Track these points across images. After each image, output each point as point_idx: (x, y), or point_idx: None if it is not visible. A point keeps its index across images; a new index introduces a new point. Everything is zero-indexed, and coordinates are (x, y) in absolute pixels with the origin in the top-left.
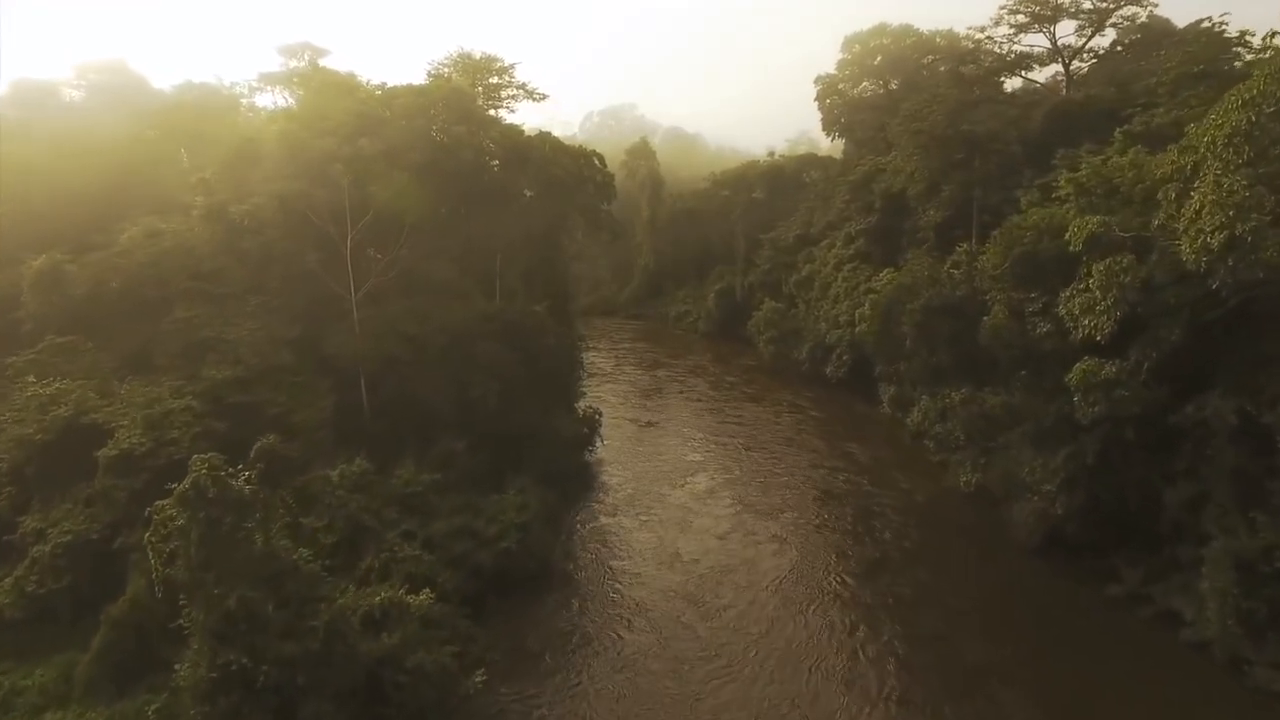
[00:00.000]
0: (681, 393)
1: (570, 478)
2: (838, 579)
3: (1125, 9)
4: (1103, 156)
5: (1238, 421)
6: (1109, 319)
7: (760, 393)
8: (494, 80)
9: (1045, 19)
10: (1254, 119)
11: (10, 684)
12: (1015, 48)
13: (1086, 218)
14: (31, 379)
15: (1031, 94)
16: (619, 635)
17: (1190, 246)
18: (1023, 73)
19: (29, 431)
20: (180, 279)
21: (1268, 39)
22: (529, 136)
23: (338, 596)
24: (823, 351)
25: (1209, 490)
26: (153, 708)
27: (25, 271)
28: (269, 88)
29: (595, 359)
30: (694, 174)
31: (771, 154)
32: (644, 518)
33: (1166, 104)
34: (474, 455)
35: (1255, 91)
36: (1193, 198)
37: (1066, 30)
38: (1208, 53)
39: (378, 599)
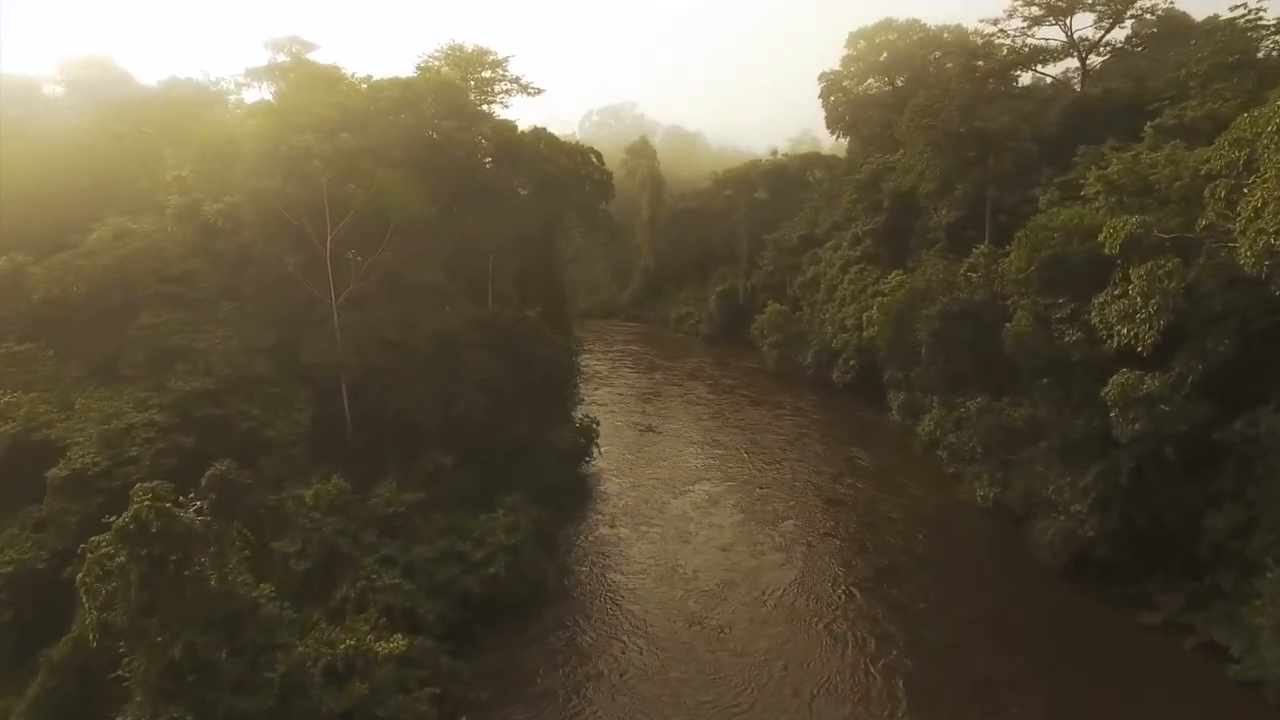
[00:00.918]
0: (682, 397)
1: (565, 492)
2: (844, 591)
3: (1144, 0)
4: (1133, 152)
5: None
6: (1151, 328)
7: (763, 397)
8: (486, 74)
9: (1061, 11)
10: None
11: None
12: (1030, 41)
13: (1124, 218)
14: None
15: (1046, 89)
16: (616, 658)
17: (1250, 249)
18: (1037, 67)
19: None
20: (149, 282)
21: None
22: (523, 133)
23: (299, 644)
24: (828, 356)
25: (1258, 514)
26: None
27: None
28: (256, 83)
29: (593, 363)
30: (695, 173)
31: (774, 153)
32: (644, 529)
33: (1199, 96)
34: (462, 471)
35: None
36: (1248, 195)
37: (1081, 23)
38: (1240, 43)
39: (342, 647)
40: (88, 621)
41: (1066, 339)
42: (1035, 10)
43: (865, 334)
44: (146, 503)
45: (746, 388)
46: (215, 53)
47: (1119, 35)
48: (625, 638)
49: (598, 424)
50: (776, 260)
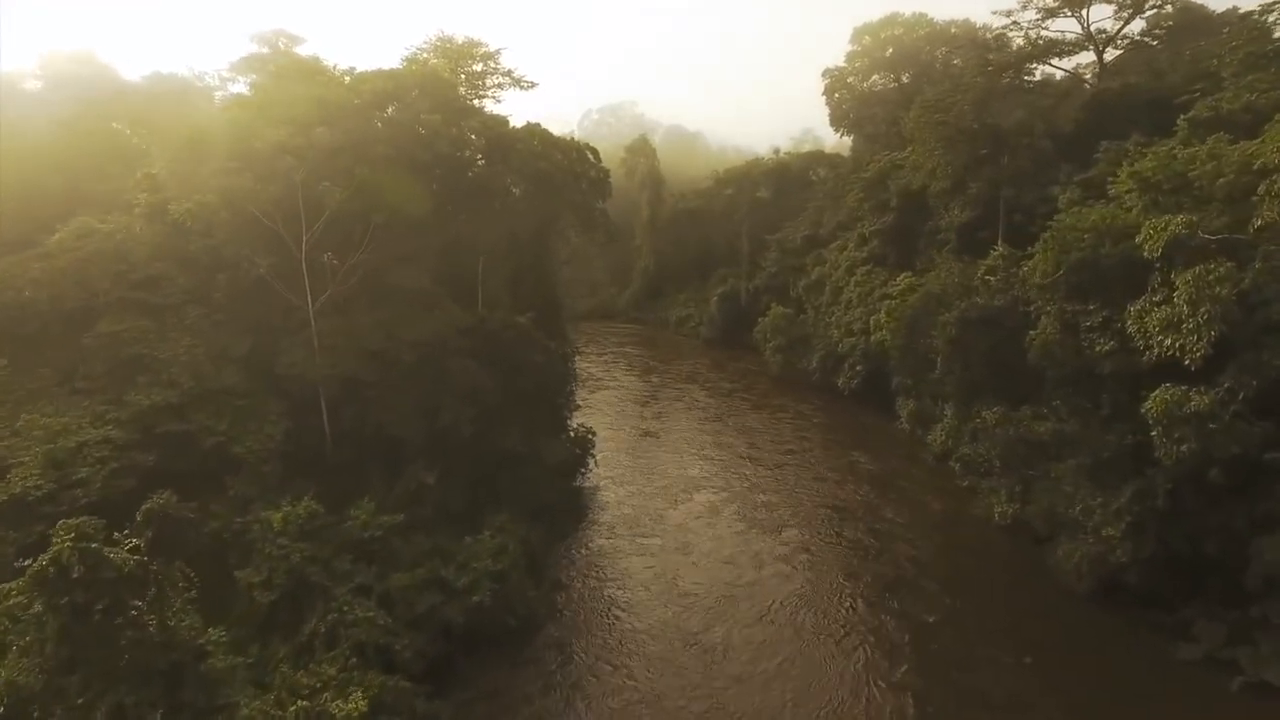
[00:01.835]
0: (682, 401)
1: (558, 509)
2: (849, 606)
3: None
4: (1167, 147)
5: None
6: (1201, 339)
7: (766, 403)
8: (477, 67)
9: (1077, 2)
10: None
11: None
12: (1044, 33)
13: (1166, 218)
14: None
15: (1062, 84)
16: (610, 683)
17: None
18: (1051, 61)
19: None
20: (111, 287)
21: None
22: (515, 128)
23: (244, 705)
24: (834, 361)
25: None
26: None
27: None
28: (241, 78)
29: (591, 367)
30: (695, 173)
31: (777, 152)
32: (642, 540)
33: (1233, 87)
34: (447, 488)
35: None
36: None
37: (1097, 15)
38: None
39: (292, 709)
40: None
41: (1097, 348)
42: (1051, 1)
43: (873, 338)
44: (68, 543)
45: (748, 392)
46: (208, 49)
47: (1133, 28)
48: (620, 660)
49: (594, 434)
50: (780, 261)
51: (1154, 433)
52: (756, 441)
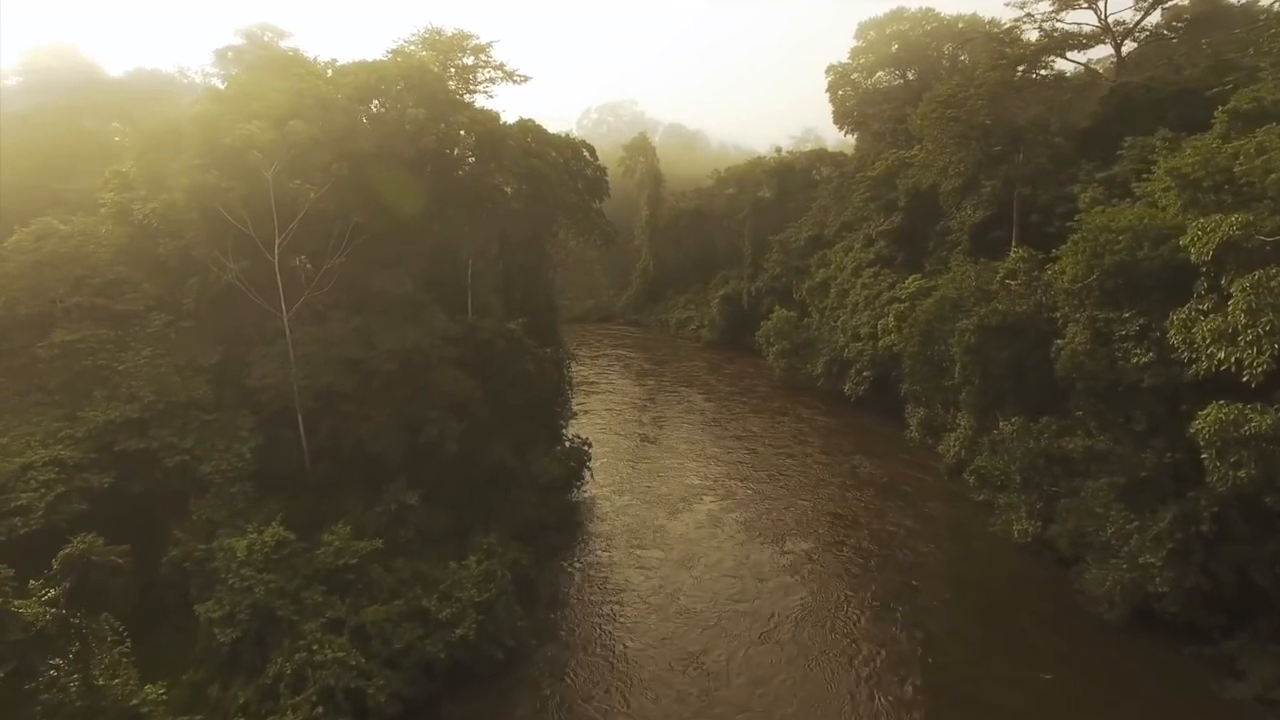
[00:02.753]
0: (683, 406)
1: (551, 527)
2: (856, 622)
3: None
4: (1206, 141)
5: None
6: (1263, 352)
7: (769, 408)
8: (468, 60)
9: None
10: None
11: None
12: (1059, 25)
13: (1217, 218)
14: None
15: (1079, 78)
16: (606, 709)
17: None
18: (1066, 55)
19: None
20: (71, 292)
21: None
22: (506, 124)
23: None
24: (840, 366)
25: None
26: None
27: None
28: (224, 72)
29: (589, 371)
30: (696, 172)
31: (779, 150)
32: (641, 553)
33: (1272, 77)
34: (431, 508)
35: None
36: None
37: (1115, 7)
38: None
39: None
40: None
41: (1133, 360)
42: None
43: (881, 343)
44: None
45: (750, 397)
46: (205, 46)
47: (1149, 21)
48: (617, 682)
49: (590, 445)
50: (783, 262)
51: (1205, 455)
52: (758, 448)
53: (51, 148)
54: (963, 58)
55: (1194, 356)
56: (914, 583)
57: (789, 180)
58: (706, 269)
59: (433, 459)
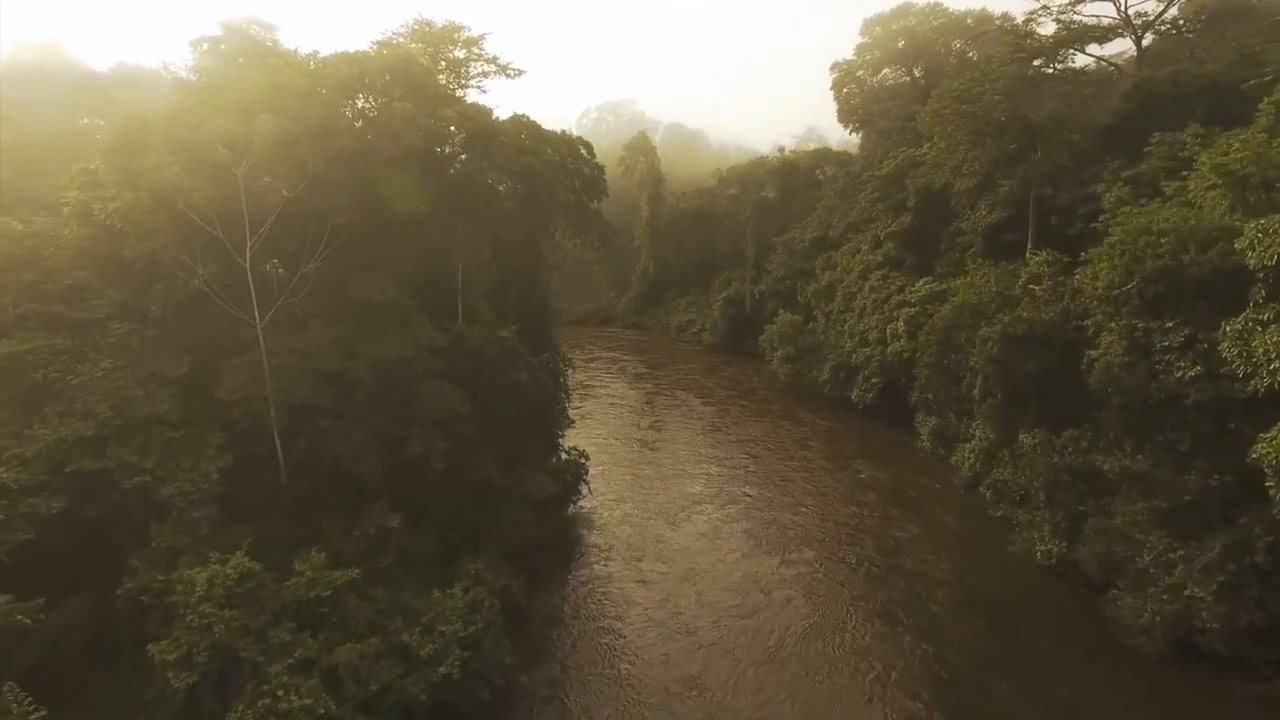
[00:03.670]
0: (684, 413)
1: (546, 547)
2: (864, 640)
3: None
4: (1250, 135)
5: None
6: None
7: (772, 415)
8: (459, 53)
9: None
10: None
11: None
12: (1077, 17)
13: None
14: None
15: (1099, 73)
16: None
17: None
18: (1085, 50)
19: None
20: (22, 299)
21: None
22: (498, 120)
23: None
24: (847, 372)
25: None
26: None
27: None
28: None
29: (587, 375)
30: (697, 172)
31: (781, 150)
32: (640, 566)
33: None
34: (415, 531)
35: None
36: None
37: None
38: None
39: None
40: None
41: (1177, 373)
42: None
43: (890, 349)
44: None
45: (753, 403)
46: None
47: (1170, 13)
48: (614, 708)
49: (587, 457)
50: (787, 264)
51: (1270, 483)
52: (761, 456)
53: (20, 144)
54: (971, 54)
55: (1252, 371)
56: (919, 593)
57: (793, 180)
58: (708, 271)
59: (418, 477)
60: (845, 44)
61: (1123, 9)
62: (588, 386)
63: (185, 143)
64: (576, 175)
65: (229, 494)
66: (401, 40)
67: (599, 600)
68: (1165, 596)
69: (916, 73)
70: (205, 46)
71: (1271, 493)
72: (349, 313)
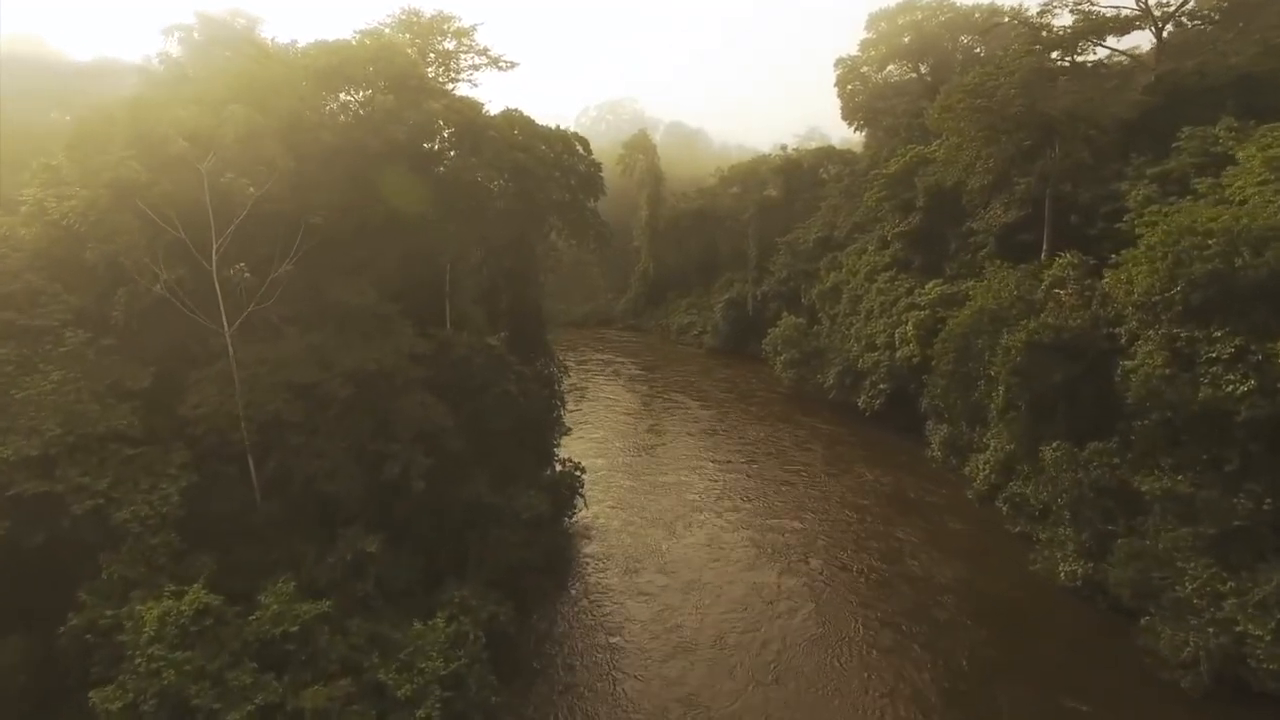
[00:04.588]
0: (685, 419)
1: (538, 569)
2: (871, 655)
3: None
4: None
5: None
6: None
7: (775, 421)
8: (449, 45)
9: None
10: None
11: None
12: (1094, 7)
13: None
14: None
15: (1119, 66)
16: None
17: None
18: (1105, 42)
19: None
20: None
21: None
22: (488, 115)
23: None
24: (853, 377)
25: None
26: None
27: None
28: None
29: (585, 378)
30: (698, 171)
31: (784, 149)
32: (640, 578)
33: None
34: (395, 556)
35: None
36: None
37: None
38: None
39: None
40: None
41: (1227, 387)
42: None
43: (899, 354)
44: None
45: (756, 408)
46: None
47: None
48: None
49: (583, 470)
50: (790, 265)
51: None
52: (763, 461)
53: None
54: (978, 50)
55: None
56: (942, 617)
57: (796, 179)
58: (709, 272)
59: (399, 496)
60: (846, 43)
61: (1143, 1)
62: (588, 391)
63: (150, 136)
64: (572, 172)
65: (196, 515)
66: (388, 31)
67: (596, 617)
68: (1212, 630)
69: (923, 69)
70: (177, 35)
71: None
72: (328, 319)
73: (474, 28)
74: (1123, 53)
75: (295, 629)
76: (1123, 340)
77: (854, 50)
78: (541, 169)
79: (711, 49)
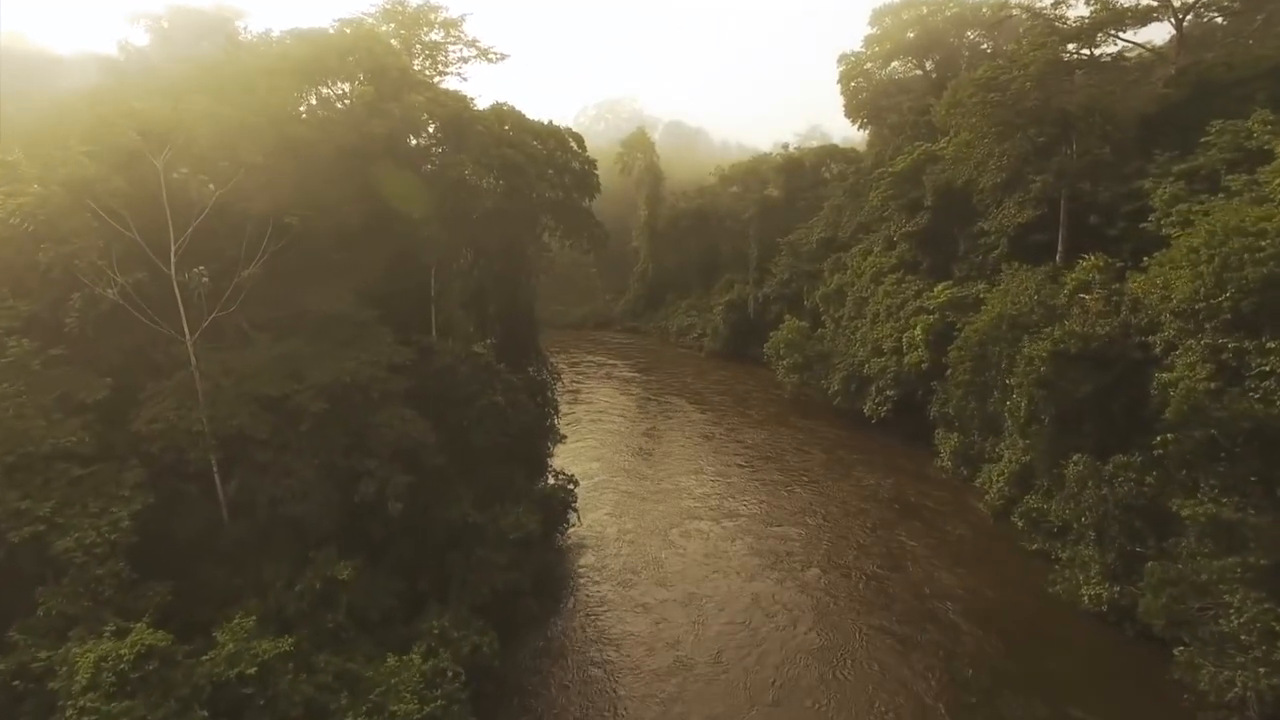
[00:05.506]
0: (683, 425)
1: (526, 592)
2: (878, 670)
3: None
4: None
5: None
6: None
7: (777, 428)
8: (436, 36)
9: None
10: None
11: None
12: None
13: None
14: None
15: (1139, 59)
16: None
17: None
18: (1122, 34)
19: None
20: None
21: None
22: (475, 109)
23: None
24: (859, 383)
25: None
26: None
27: None
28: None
29: (582, 382)
30: (698, 171)
31: (785, 147)
32: (637, 592)
33: None
34: (373, 579)
35: None
36: None
37: None
38: None
39: None
40: None
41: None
42: None
43: (907, 359)
44: None
45: (757, 414)
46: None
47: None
48: None
49: (575, 483)
50: (792, 266)
51: None
52: (763, 469)
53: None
54: (985, 46)
55: None
56: (936, 617)
57: (798, 178)
58: (709, 273)
59: (377, 516)
60: (847, 41)
61: None
62: (585, 396)
63: (110, 130)
64: (565, 170)
65: (154, 538)
66: (371, 21)
67: (591, 632)
68: (1263, 670)
69: (928, 65)
70: (144, 23)
71: None
72: (302, 326)
73: (462, 18)
74: (1140, 45)
75: (253, 670)
76: (1157, 350)
77: (858, 46)
78: (533, 166)
79: (711, 47)
